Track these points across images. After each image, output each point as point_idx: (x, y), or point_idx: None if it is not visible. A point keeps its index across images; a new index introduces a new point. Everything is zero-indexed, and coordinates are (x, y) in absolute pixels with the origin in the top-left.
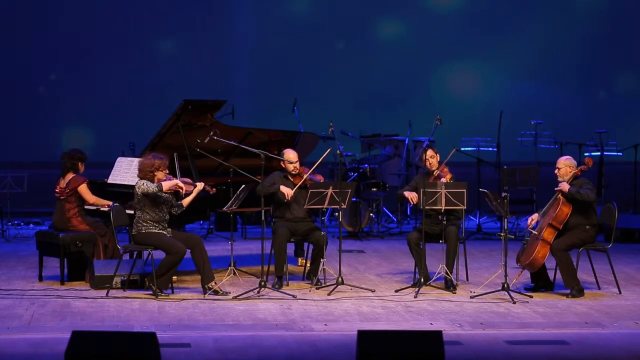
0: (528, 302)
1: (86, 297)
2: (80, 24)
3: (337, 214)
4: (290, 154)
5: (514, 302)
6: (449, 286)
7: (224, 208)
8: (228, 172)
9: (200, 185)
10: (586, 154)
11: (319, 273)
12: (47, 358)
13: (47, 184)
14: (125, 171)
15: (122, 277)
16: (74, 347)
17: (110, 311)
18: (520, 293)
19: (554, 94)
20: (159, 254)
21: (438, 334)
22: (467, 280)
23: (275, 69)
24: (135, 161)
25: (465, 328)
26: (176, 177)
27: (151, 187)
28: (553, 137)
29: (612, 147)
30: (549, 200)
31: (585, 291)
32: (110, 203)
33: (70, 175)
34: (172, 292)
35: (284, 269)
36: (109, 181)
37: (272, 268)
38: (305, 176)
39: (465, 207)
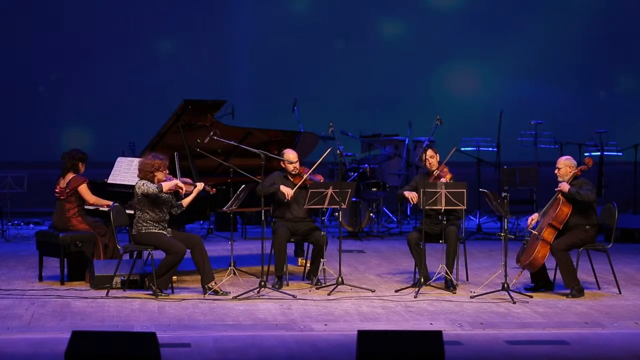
0: (528, 302)
1: (86, 297)
2: (80, 24)
3: (337, 214)
4: (290, 154)
5: (514, 302)
6: (449, 286)
7: (224, 208)
8: (228, 172)
9: (200, 186)
10: (586, 154)
11: (319, 273)
12: (47, 358)
13: (47, 184)
14: (125, 171)
15: (122, 277)
16: (74, 347)
17: (110, 311)
18: (520, 293)
19: (554, 94)
20: (159, 254)
21: (438, 334)
22: (467, 280)
23: (275, 69)
24: (135, 161)
25: (465, 328)
26: (176, 177)
27: (151, 188)
28: (553, 137)
29: (612, 147)
30: (549, 200)
31: (585, 291)
32: (110, 203)
33: (70, 175)
34: (172, 292)
35: (284, 269)
36: (109, 181)
37: (272, 268)
38: (305, 176)
39: (465, 207)
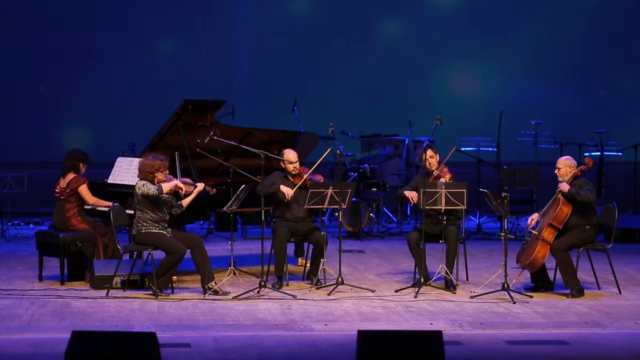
0: (528, 302)
1: (86, 297)
2: (80, 24)
3: (337, 214)
4: (290, 154)
5: (514, 302)
6: (449, 286)
7: (224, 208)
8: (228, 172)
9: (200, 186)
10: (586, 154)
11: (319, 273)
12: (47, 358)
13: (47, 184)
14: (125, 171)
15: (122, 277)
16: (74, 347)
17: (110, 311)
18: (520, 293)
19: (554, 94)
20: (159, 254)
21: (438, 334)
22: (467, 280)
23: (275, 69)
24: (135, 161)
25: (465, 328)
26: (177, 177)
27: (151, 189)
28: (553, 137)
29: (612, 147)
30: (549, 200)
31: (585, 291)
32: (110, 204)
33: (71, 175)
34: (172, 292)
35: (284, 269)
36: (109, 181)
37: (272, 268)
38: (305, 176)
39: (465, 207)
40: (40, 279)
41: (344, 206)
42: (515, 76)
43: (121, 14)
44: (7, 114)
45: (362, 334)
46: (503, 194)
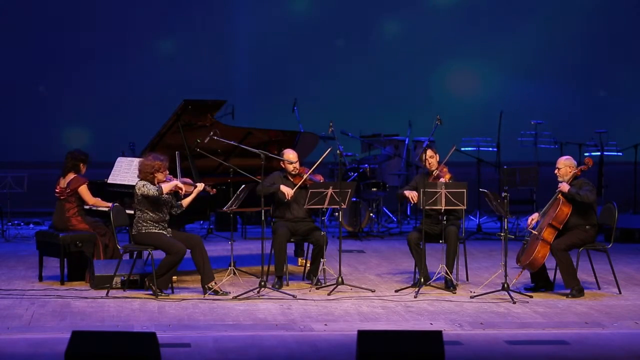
0: (528, 302)
1: (86, 297)
2: (80, 24)
3: (337, 214)
4: (290, 154)
5: (514, 302)
6: (449, 286)
7: (224, 208)
8: (228, 172)
9: (200, 186)
10: (586, 154)
11: (319, 273)
12: (47, 358)
13: (47, 184)
14: (125, 171)
15: (122, 277)
16: (74, 347)
17: (110, 311)
18: (520, 293)
19: (554, 94)
20: (159, 254)
21: (438, 334)
22: (467, 280)
23: (275, 69)
24: (135, 161)
25: (465, 328)
26: (177, 177)
27: (152, 190)
28: (553, 137)
29: (612, 147)
30: (549, 200)
31: (585, 291)
32: (110, 205)
33: (71, 176)
34: (172, 292)
35: (284, 269)
36: (109, 181)
37: (272, 268)
38: (305, 176)
39: (465, 207)
40: (40, 279)
41: (344, 206)
42: (515, 76)
43: (121, 14)
44: (7, 114)
45: (362, 334)
46: (503, 194)
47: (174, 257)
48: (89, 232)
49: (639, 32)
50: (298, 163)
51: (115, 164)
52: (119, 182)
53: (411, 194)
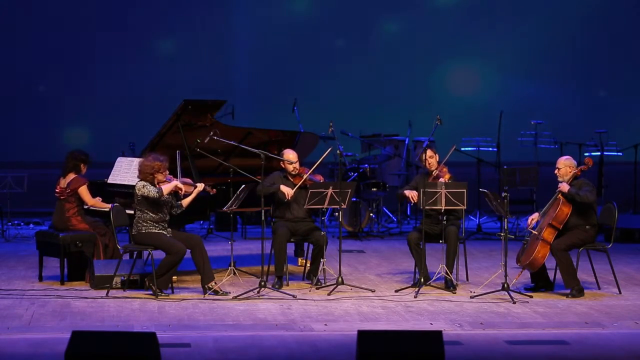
0: (528, 302)
1: (86, 297)
2: (81, 23)
3: (337, 214)
4: (290, 155)
5: (514, 302)
6: (449, 286)
7: (224, 208)
8: (228, 172)
9: (200, 187)
10: (586, 154)
11: (319, 273)
12: (47, 358)
13: (47, 184)
14: (125, 171)
15: (122, 277)
16: (74, 347)
17: (110, 311)
18: (520, 293)
19: (553, 93)
20: (159, 254)
21: (438, 334)
22: (467, 280)
23: (275, 69)
24: (135, 161)
25: (465, 328)
26: (177, 176)
27: (152, 191)
28: (553, 137)
29: (612, 147)
30: (549, 200)
31: (585, 291)
32: (110, 206)
33: (71, 176)
34: (172, 292)
35: (284, 269)
36: (109, 181)
37: (272, 268)
38: (305, 176)
39: (465, 207)
40: (40, 279)
41: (344, 206)
42: (515, 76)
43: (121, 14)
44: (7, 114)
45: (362, 334)
46: (503, 194)
47: (174, 257)
48: (89, 232)
49: (639, 32)
50: (298, 163)
51: (115, 164)
52: (119, 182)
53: (411, 194)
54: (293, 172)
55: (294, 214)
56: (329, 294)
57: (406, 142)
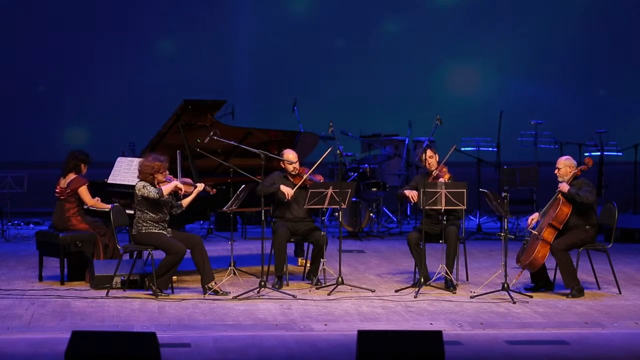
0: (528, 302)
1: (86, 297)
2: (80, 24)
3: (337, 214)
4: (290, 155)
5: (514, 302)
6: (449, 286)
7: (224, 208)
8: (228, 172)
9: (200, 187)
10: (586, 154)
11: (319, 273)
12: (47, 358)
13: (47, 184)
14: (125, 171)
15: (122, 277)
16: (74, 347)
17: (110, 311)
18: (520, 293)
19: (553, 93)
20: (159, 254)
21: (438, 334)
22: (467, 280)
23: (275, 69)
24: (135, 161)
25: (465, 328)
26: (177, 176)
27: (152, 192)
28: (553, 137)
29: (612, 147)
30: (549, 200)
31: (585, 291)
32: (109, 206)
33: (72, 176)
34: (172, 292)
35: (284, 269)
36: (109, 181)
37: (272, 268)
38: (305, 176)
39: (465, 207)
40: (40, 279)
41: (344, 206)
42: (515, 76)
43: (121, 14)
44: (7, 114)
45: (362, 334)
46: (503, 194)
47: (174, 257)
48: (89, 232)
49: (639, 32)
50: (298, 163)
51: (115, 164)
52: (119, 182)
53: (411, 193)
54: (293, 172)
55: (294, 214)
56: (329, 294)
57: (406, 142)
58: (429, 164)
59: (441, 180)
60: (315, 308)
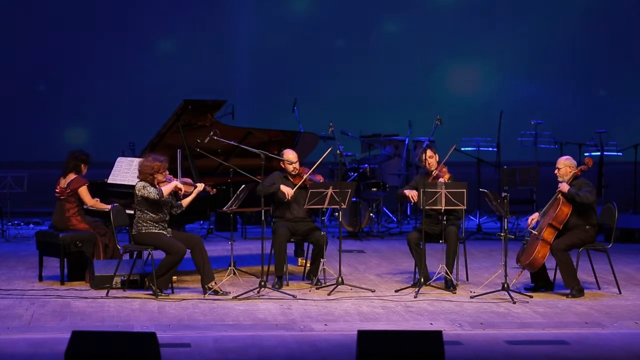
0: (528, 302)
1: (86, 297)
2: (80, 24)
3: (337, 214)
4: (290, 155)
5: (514, 302)
6: (449, 286)
7: (224, 208)
8: (228, 172)
9: (200, 187)
10: (586, 154)
11: (319, 273)
12: (47, 358)
13: (47, 184)
14: (125, 171)
15: (122, 277)
16: (74, 347)
17: (110, 311)
18: (520, 293)
19: (553, 93)
20: (159, 254)
21: (438, 334)
22: (467, 280)
23: (275, 69)
24: (135, 161)
25: (465, 328)
26: (177, 176)
27: (152, 193)
28: (553, 137)
29: (612, 147)
30: (549, 200)
31: (585, 291)
32: (109, 206)
33: (72, 176)
34: (172, 292)
35: (284, 269)
36: (109, 181)
37: (272, 268)
38: (305, 176)
39: (465, 207)
40: (40, 279)
41: (344, 206)
42: (515, 76)
43: (121, 14)
44: (7, 114)
45: (362, 334)
46: (503, 194)
47: (174, 257)
48: (89, 232)
49: (639, 32)
50: (298, 163)
51: (115, 164)
52: (119, 182)
53: (411, 193)
54: (293, 172)
55: (294, 214)
56: (329, 294)
57: (406, 142)
58: (429, 164)
59: (441, 180)
60: (315, 308)
